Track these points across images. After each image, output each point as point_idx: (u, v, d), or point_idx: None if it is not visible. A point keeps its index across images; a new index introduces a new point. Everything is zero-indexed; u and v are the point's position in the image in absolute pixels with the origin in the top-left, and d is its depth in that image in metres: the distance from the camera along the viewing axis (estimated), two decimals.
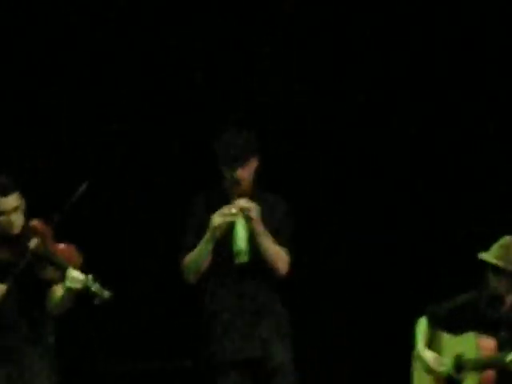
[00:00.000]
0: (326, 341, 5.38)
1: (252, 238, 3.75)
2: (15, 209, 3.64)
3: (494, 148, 5.55)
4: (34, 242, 3.63)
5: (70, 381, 4.08)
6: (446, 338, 4.08)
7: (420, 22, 5.73)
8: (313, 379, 4.76)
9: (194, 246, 3.77)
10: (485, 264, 3.85)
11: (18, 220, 3.65)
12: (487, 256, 3.84)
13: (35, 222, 3.70)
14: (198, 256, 3.77)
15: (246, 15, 5.88)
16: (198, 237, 3.77)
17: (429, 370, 4.01)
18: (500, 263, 3.80)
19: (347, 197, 5.68)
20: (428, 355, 4.02)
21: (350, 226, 5.49)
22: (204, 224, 3.77)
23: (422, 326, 4.07)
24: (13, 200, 3.64)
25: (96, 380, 5.33)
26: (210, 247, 3.75)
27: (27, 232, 3.68)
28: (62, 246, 3.70)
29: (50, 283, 3.68)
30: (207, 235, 3.74)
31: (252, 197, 3.78)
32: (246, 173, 3.76)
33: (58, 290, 3.66)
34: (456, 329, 4.02)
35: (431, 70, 5.76)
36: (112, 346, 5.32)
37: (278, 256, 3.78)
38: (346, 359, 5.27)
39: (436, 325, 4.06)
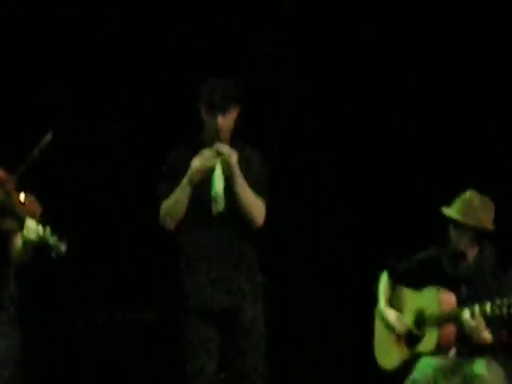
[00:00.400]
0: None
1: (229, 186, 3.78)
2: None
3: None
4: None
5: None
6: (408, 293, 4.07)
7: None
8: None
9: (169, 194, 3.81)
10: (447, 219, 3.85)
11: None
12: (449, 211, 3.82)
13: None
14: (176, 201, 3.79)
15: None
16: (176, 184, 3.80)
17: (390, 328, 4.02)
18: (461, 218, 3.78)
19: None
20: (389, 312, 4.03)
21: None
22: (181, 172, 3.79)
23: (382, 282, 4.07)
24: None
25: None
26: (188, 191, 3.76)
27: None
28: (22, 195, 3.67)
29: (8, 234, 3.65)
30: (185, 179, 3.75)
31: (230, 145, 3.80)
32: (226, 121, 3.78)
33: (17, 241, 3.63)
34: (417, 284, 4.01)
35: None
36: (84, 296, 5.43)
37: (254, 205, 3.80)
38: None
39: (397, 280, 4.06)
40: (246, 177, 3.81)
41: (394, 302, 4.08)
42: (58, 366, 5.23)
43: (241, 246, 3.87)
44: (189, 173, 3.75)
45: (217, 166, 3.78)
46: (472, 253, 3.85)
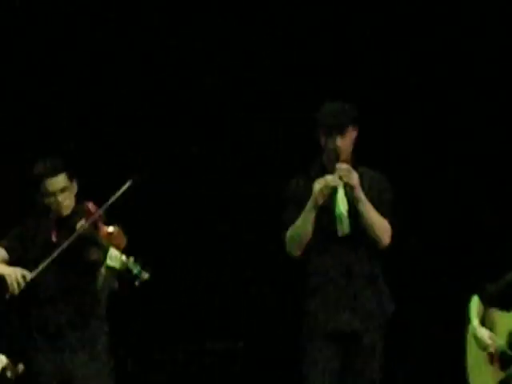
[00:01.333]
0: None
1: (353, 207, 3.75)
2: (63, 189, 3.73)
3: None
4: (80, 224, 3.72)
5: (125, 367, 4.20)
6: (499, 315, 4.07)
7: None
8: None
9: (293, 221, 3.79)
10: None
11: (66, 201, 3.75)
12: None
13: (88, 204, 3.79)
14: (301, 226, 3.77)
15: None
16: (299, 212, 3.77)
17: (483, 347, 4.00)
18: None
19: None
20: (483, 332, 4.02)
21: None
22: (303, 199, 3.77)
23: (474, 303, 4.06)
24: (61, 181, 3.73)
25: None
26: (312, 216, 3.75)
27: (77, 213, 3.77)
28: (110, 228, 3.76)
29: (96, 265, 3.74)
30: (309, 203, 3.74)
31: (354, 168, 3.79)
32: (345, 142, 3.76)
33: (101, 270, 3.72)
34: (508, 306, 4.01)
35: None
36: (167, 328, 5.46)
37: (380, 225, 3.76)
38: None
39: (488, 302, 4.05)
40: (371, 198, 3.78)
41: (486, 325, 4.07)
42: None
43: (369, 268, 3.83)
44: (312, 196, 3.72)
45: (339, 187, 3.75)
46: None
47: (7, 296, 3.71)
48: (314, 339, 3.80)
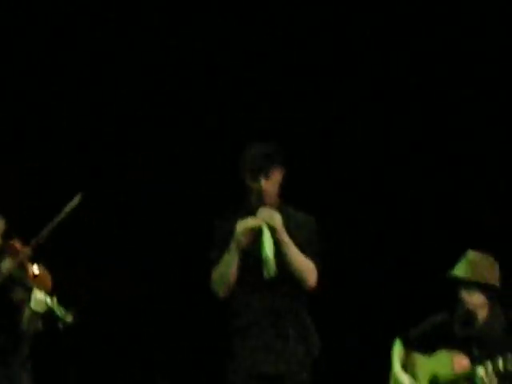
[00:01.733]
0: None
1: (278, 250, 3.77)
2: None
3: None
4: (7, 264, 3.84)
5: None
6: (420, 358, 4.12)
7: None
8: None
9: (219, 262, 3.80)
10: (455, 282, 3.92)
11: None
12: (457, 272, 3.90)
13: (15, 242, 3.88)
14: (225, 267, 3.78)
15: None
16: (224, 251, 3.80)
17: None
18: (470, 277, 3.86)
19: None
20: (404, 377, 4.08)
21: None
22: (230, 239, 3.78)
23: (397, 347, 4.13)
24: None
25: None
26: (235, 257, 3.76)
27: (3, 252, 3.87)
28: (35, 267, 3.87)
29: (20, 304, 3.85)
30: (232, 244, 3.75)
31: (278, 210, 3.81)
32: (270, 184, 3.79)
33: (26, 311, 3.84)
34: (429, 349, 4.07)
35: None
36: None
37: (305, 266, 3.79)
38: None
39: (410, 346, 4.12)
40: (296, 240, 3.79)
41: (408, 368, 4.12)
42: None
43: (294, 310, 3.85)
44: (234, 238, 3.74)
45: (264, 230, 3.76)
46: (482, 312, 3.92)
47: None
48: (238, 382, 3.82)
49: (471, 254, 3.94)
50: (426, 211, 5.83)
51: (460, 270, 3.90)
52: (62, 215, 3.83)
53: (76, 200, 3.82)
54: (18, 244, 3.88)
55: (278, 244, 3.78)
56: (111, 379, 5.46)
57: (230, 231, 3.80)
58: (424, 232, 5.74)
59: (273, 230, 3.76)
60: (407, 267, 5.49)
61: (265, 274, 3.76)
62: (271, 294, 3.81)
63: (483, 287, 3.87)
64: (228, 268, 3.77)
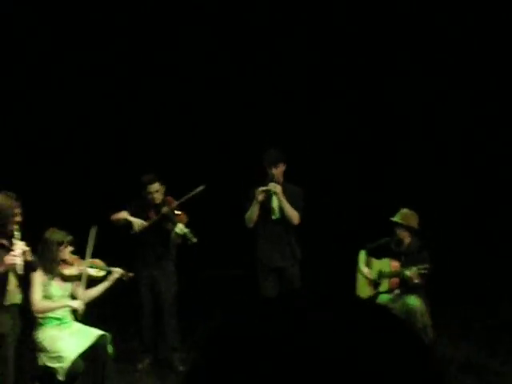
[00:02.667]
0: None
1: (280, 205, 6.61)
2: (157, 190, 6.55)
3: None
4: (164, 208, 6.53)
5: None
6: (375, 261, 6.73)
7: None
8: None
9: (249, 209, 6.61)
10: (393, 222, 6.70)
11: (158, 196, 6.55)
12: (395, 218, 6.66)
13: (169, 198, 6.57)
14: (251, 212, 6.58)
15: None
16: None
17: (365, 277, 6.71)
18: (402, 221, 6.60)
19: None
20: (365, 269, 6.73)
21: None
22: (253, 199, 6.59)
23: (361, 255, 6.81)
24: (157, 186, 6.56)
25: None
26: (257, 207, 6.56)
27: (163, 203, 6.54)
28: (178, 211, 6.55)
29: (170, 230, 6.54)
30: (255, 200, 6.52)
31: (281, 184, 6.59)
32: (277, 171, 6.63)
33: (172, 234, 6.50)
34: (379, 256, 6.69)
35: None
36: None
37: (293, 214, 6.59)
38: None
39: (369, 254, 6.76)
40: (290, 200, 6.58)
41: (367, 266, 6.75)
42: None
43: (287, 235, 6.67)
44: (256, 195, 6.57)
45: (274, 194, 6.65)
46: (407, 240, 6.61)
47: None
48: (262, 271, 6.72)
49: (404, 209, 6.71)
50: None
51: (397, 217, 6.63)
52: (194, 192, 6.40)
53: (201, 188, 6.37)
54: (170, 199, 6.50)
55: (279, 202, 6.60)
56: None
57: (253, 196, 6.61)
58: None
59: (276, 194, 6.57)
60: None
61: (272, 216, 6.68)
62: (276, 226, 6.67)
63: (407, 227, 6.64)
64: (253, 213, 6.62)
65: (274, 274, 6.69)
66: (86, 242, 5.66)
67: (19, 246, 4.66)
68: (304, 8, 7.98)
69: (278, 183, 6.58)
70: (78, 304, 5.57)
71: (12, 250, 4.74)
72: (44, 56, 8.28)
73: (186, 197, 6.46)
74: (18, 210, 4.72)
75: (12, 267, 4.61)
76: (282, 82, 8.40)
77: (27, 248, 4.69)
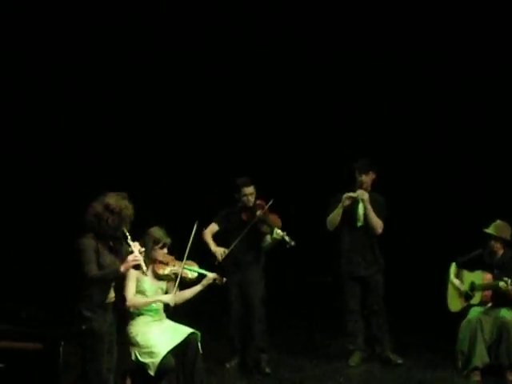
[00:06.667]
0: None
1: (365, 213, 6.64)
2: (252, 193, 6.58)
3: None
4: (258, 212, 6.49)
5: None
6: (466, 273, 6.63)
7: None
8: None
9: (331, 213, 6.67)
10: (486, 234, 6.51)
11: (252, 199, 6.55)
12: (489, 230, 6.52)
13: (260, 201, 6.55)
14: (334, 215, 6.69)
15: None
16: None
17: (456, 289, 6.54)
18: (496, 233, 6.46)
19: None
20: (456, 281, 6.59)
21: None
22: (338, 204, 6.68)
23: (452, 267, 6.67)
24: (252, 188, 6.57)
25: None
26: (341, 212, 6.63)
27: (256, 206, 6.53)
28: (272, 215, 6.51)
29: (264, 234, 6.50)
30: (340, 204, 6.61)
31: (368, 192, 6.64)
32: (367, 178, 6.69)
33: (267, 238, 6.51)
34: (471, 269, 6.54)
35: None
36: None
37: (377, 223, 6.67)
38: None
39: (460, 266, 6.61)
40: (374, 208, 6.63)
41: (459, 278, 6.60)
42: None
43: (371, 243, 6.73)
44: (342, 200, 6.65)
45: (360, 202, 6.61)
46: (500, 252, 6.48)
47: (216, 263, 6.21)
48: (346, 279, 6.75)
49: (498, 221, 6.52)
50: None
51: (491, 229, 6.47)
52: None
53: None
54: (262, 202, 6.47)
55: (365, 209, 6.61)
56: None
57: (338, 201, 6.66)
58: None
59: (362, 200, 6.60)
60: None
61: (357, 223, 6.71)
62: (360, 234, 6.70)
63: (500, 239, 6.44)
64: (335, 216, 6.66)
65: (358, 282, 6.75)
66: (178, 241, 5.71)
67: (137, 247, 4.74)
68: None
69: (365, 191, 6.63)
70: (169, 298, 5.60)
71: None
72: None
73: (270, 202, 6.52)
74: (132, 212, 4.76)
75: (133, 265, 4.70)
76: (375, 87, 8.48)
77: (143, 249, 4.77)
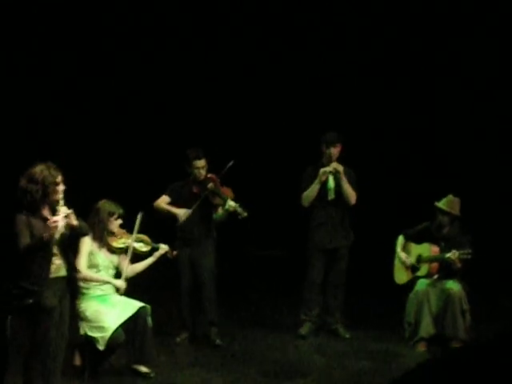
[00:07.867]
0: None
1: (338, 184, 6.60)
2: (203, 166, 6.47)
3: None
4: (210, 184, 6.41)
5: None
6: (413, 246, 6.68)
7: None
8: None
9: (307, 189, 6.64)
10: (437, 208, 6.60)
11: (203, 172, 6.44)
12: (440, 204, 6.58)
13: (211, 174, 6.46)
14: (311, 191, 6.66)
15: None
16: (309, 185, 6.63)
17: (402, 262, 6.66)
18: (446, 208, 6.55)
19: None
20: (402, 254, 6.69)
21: None
22: (313, 179, 6.63)
23: (400, 239, 6.76)
24: (203, 161, 6.45)
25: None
26: (318, 187, 6.63)
27: (207, 179, 6.43)
28: (224, 188, 6.45)
29: (217, 206, 6.44)
30: (317, 180, 6.61)
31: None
32: (335, 151, 6.67)
33: (219, 210, 6.45)
34: (418, 241, 6.65)
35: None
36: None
37: (352, 194, 6.67)
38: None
39: (407, 239, 6.71)
40: (347, 179, 6.61)
41: (405, 250, 6.69)
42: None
43: (342, 216, 6.71)
44: (318, 176, 6.60)
45: (330, 175, 6.60)
46: (447, 225, 6.57)
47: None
48: (313, 251, 6.76)
49: (449, 196, 6.58)
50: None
51: (442, 204, 6.54)
52: (226, 167, 6.25)
53: (231, 163, 6.22)
54: (213, 175, 6.37)
55: (338, 181, 6.60)
56: None
57: (313, 175, 6.64)
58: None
59: (338, 173, 6.59)
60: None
61: (328, 196, 6.71)
62: (331, 208, 6.71)
63: (448, 213, 6.56)
64: (313, 192, 6.67)
65: (324, 255, 6.76)
66: (132, 221, 5.73)
67: (62, 210, 4.64)
68: None
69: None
70: (120, 283, 5.66)
71: None
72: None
73: (222, 172, 6.40)
74: (59, 179, 4.70)
75: (54, 230, 4.60)
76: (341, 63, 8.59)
77: (70, 211, 4.66)
